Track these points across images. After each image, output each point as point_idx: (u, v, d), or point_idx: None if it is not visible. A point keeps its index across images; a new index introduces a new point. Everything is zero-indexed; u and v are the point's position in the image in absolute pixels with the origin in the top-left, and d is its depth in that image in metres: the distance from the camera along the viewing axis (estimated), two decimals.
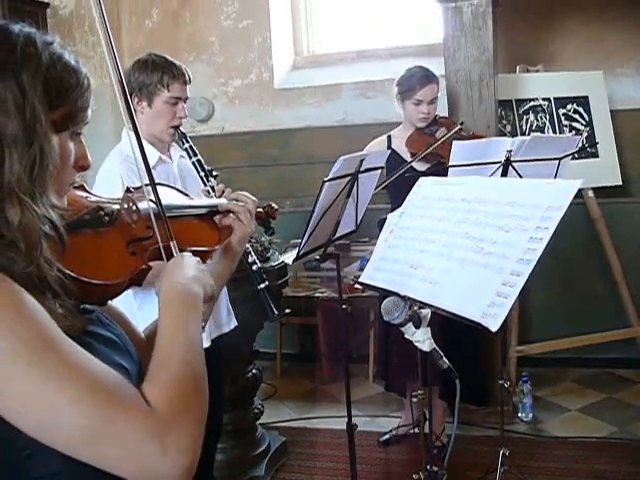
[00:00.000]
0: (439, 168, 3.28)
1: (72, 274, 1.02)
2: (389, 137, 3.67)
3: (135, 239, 1.20)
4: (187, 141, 2.63)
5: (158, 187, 1.31)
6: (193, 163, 2.62)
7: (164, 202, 1.27)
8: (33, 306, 0.92)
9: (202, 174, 2.58)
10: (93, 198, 1.23)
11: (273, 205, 1.76)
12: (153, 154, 2.55)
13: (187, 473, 0.94)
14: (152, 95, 2.56)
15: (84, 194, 1.23)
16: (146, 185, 1.29)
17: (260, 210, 1.67)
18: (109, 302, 1.25)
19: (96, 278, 1.07)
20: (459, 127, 3.49)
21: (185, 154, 2.69)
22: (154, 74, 2.55)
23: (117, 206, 1.22)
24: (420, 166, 3.46)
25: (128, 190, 1.32)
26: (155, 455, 0.91)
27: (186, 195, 1.55)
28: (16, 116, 0.97)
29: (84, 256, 1.09)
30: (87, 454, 0.92)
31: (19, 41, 1.00)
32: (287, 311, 1.85)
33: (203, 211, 1.47)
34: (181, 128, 2.65)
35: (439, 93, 3.59)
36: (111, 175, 2.39)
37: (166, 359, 1.01)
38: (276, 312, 1.85)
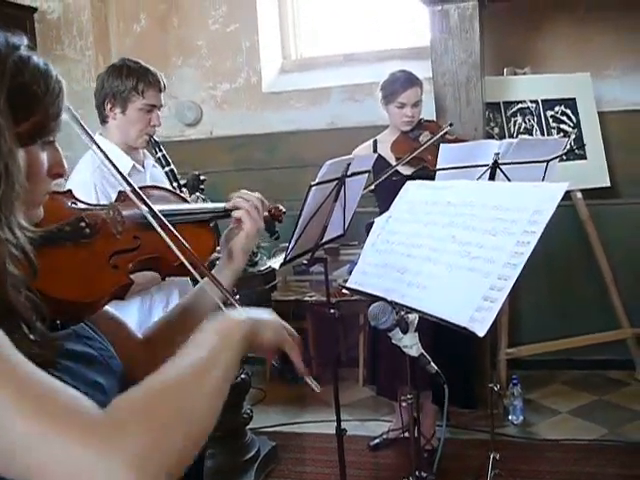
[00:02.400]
0: (424, 172, 3.28)
1: (45, 293, 0.96)
2: (375, 142, 3.68)
3: (119, 251, 1.13)
4: (160, 150, 2.56)
5: (151, 190, 1.26)
6: (166, 173, 2.55)
7: (156, 207, 1.20)
8: None
9: (174, 184, 2.51)
10: (80, 205, 1.17)
11: (280, 207, 1.67)
12: (126, 162, 2.49)
13: None
14: (126, 102, 2.49)
15: (69, 201, 1.17)
16: (132, 191, 1.22)
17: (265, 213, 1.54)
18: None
19: (72, 297, 1.01)
20: (445, 131, 3.48)
21: (157, 164, 2.63)
22: (129, 80, 2.48)
23: (102, 214, 1.15)
24: (405, 170, 3.47)
25: (120, 195, 1.26)
26: (96, 472, 0.74)
27: (184, 199, 1.49)
28: None
29: (61, 272, 1.03)
30: (18, 471, 0.76)
31: None
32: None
33: (203, 216, 1.37)
34: (154, 137, 2.59)
35: (423, 96, 3.60)
36: (84, 185, 2.29)
37: (156, 376, 0.86)
38: None
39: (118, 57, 5.24)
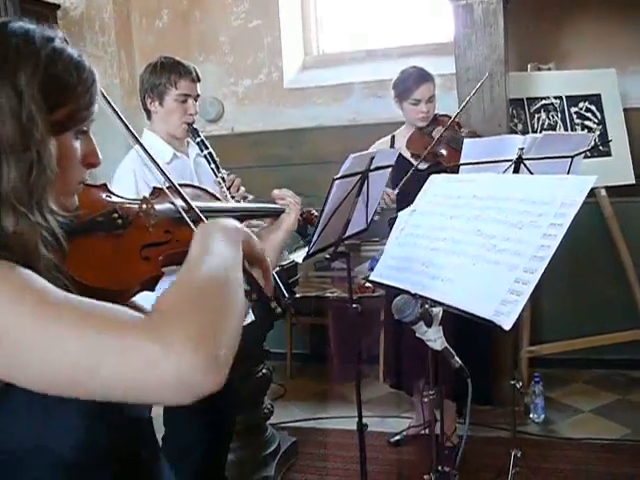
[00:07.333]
0: (438, 168, 3.27)
1: (77, 278, 0.99)
2: (393, 137, 3.67)
3: (150, 244, 1.15)
4: (198, 135, 2.74)
5: (185, 187, 1.26)
6: (205, 156, 2.72)
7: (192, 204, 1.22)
8: (25, 271, 0.89)
9: (212, 166, 2.70)
10: (114, 199, 1.20)
11: (313, 211, 1.67)
12: (167, 151, 2.71)
13: (206, 374, 0.82)
14: (162, 94, 2.70)
15: (104, 194, 1.19)
16: (168, 187, 1.24)
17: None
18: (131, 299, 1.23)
19: (103, 284, 1.03)
20: (451, 121, 3.50)
21: (201, 153, 2.79)
22: (163, 74, 2.69)
23: (135, 207, 1.17)
24: (421, 165, 3.48)
25: (154, 190, 1.28)
26: (157, 357, 0.81)
27: (217, 198, 1.50)
28: (11, 120, 0.93)
29: (93, 260, 1.05)
30: (92, 387, 0.84)
31: (16, 40, 0.96)
32: (297, 296, 1.83)
33: (240, 213, 1.39)
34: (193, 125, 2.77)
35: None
36: (125, 170, 2.51)
37: (179, 276, 0.93)
38: (287, 296, 1.85)
39: (140, 53, 5.31)
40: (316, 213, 1.61)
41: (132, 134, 1.23)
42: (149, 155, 1.25)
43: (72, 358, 0.83)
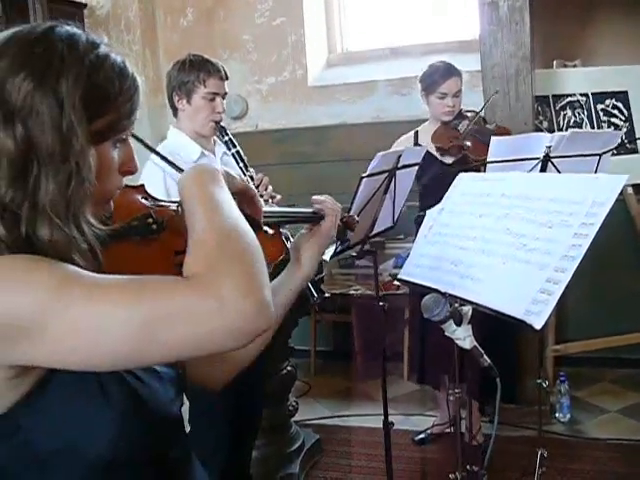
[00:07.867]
0: (465, 166, 3.27)
1: None
2: (416, 133, 3.66)
3: (183, 250, 1.07)
4: (226, 134, 2.77)
5: None
6: (233, 154, 2.75)
7: None
8: (65, 264, 0.91)
9: (241, 164, 2.73)
10: (150, 201, 1.17)
11: (354, 216, 1.64)
12: (195, 149, 2.73)
13: (259, 315, 0.89)
14: (190, 92, 2.71)
15: (140, 195, 1.17)
16: None
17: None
18: None
19: None
20: (479, 115, 3.54)
21: (228, 151, 2.81)
22: (191, 72, 2.70)
23: (171, 211, 1.13)
24: (447, 159, 3.51)
25: None
26: (214, 311, 0.86)
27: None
28: (51, 130, 0.91)
29: (128, 266, 1.02)
30: (154, 353, 0.89)
31: (61, 46, 0.94)
32: (326, 295, 1.82)
33: (278, 218, 1.34)
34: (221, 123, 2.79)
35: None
36: (153, 168, 2.50)
37: (199, 235, 0.96)
38: (316, 296, 1.84)
39: (165, 52, 5.34)
40: (357, 218, 1.56)
41: (156, 152, 1.23)
42: (170, 163, 1.24)
43: (127, 330, 0.86)
